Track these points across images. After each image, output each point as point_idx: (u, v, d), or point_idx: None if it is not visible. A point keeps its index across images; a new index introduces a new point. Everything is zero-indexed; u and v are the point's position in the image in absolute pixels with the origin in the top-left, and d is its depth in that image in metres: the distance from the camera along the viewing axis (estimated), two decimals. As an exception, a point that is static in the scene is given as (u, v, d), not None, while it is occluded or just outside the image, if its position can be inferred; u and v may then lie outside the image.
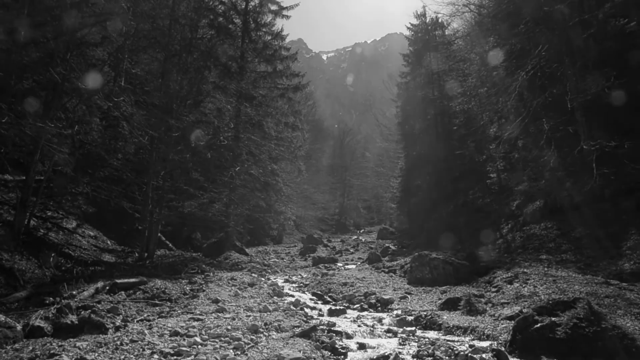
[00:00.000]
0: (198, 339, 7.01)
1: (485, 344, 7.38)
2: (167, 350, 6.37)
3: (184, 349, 6.47)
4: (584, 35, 14.44)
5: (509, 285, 10.74)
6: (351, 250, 27.88)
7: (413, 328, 8.72)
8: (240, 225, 24.50)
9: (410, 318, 9.46)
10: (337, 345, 7.27)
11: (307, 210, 45.66)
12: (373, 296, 11.83)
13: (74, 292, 9.38)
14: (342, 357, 6.95)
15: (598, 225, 13.08)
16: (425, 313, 9.64)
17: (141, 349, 6.39)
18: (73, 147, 13.17)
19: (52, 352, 6.11)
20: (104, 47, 14.75)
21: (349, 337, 8.00)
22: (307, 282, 15.27)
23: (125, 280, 11.05)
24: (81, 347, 6.36)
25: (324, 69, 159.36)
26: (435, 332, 8.56)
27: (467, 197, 23.75)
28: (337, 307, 10.76)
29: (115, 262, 14.31)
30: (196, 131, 16.96)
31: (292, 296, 12.49)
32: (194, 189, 18.75)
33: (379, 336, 8.19)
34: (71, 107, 13.30)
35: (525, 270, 11.70)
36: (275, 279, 15.99)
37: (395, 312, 10.42)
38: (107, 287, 10.29)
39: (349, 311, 10.63)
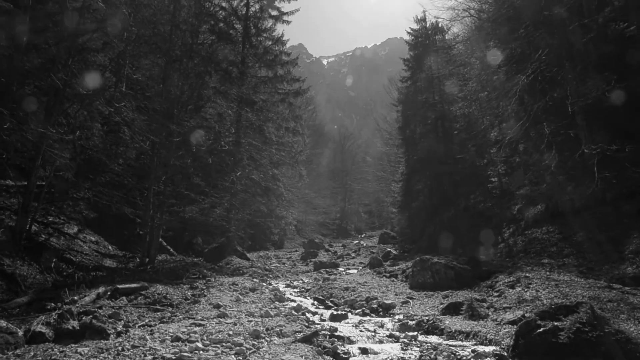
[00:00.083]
0: (199, 345, 6.99)
1: (487, 348, 7.35)
2: (168, 355, 6.35)
3: (185, 354, 6.45)
4: (584, 39, 14.47)
5: (511, 290, 10.70)
6: (352, 255, 27.83)
7: (415, 333, 8.69)
8: (241, 230, 24.48)
9: (412, 323, 9.42)
10: (339, 351, 7.24)
11: (308, 214, 45.66)
12: (375, 301, 11.79)
13: (76, 298, 9.37)
14: (344, 362, 6.92)
15: (600, 229, 13.05)
16: (427, 318, 9.60)
17: (143, 355, 6.37)
18: (74, 152, 13.21)
19: (53, 357, 6.10)
20: (105, 52, 14.80)
21: (351, 342, 7.97)
22: (309, 287, 15.25)
23: (127, 285, 11.04)
24: (82, 352, 6.35)
25: (324, 74, 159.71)
26: (438, 337, 8.52)
27: (469, 201, 23.73)
28: (339, 312, 10.72)
29: (116, 267, 14.31)
30: (197, 132, 16.97)
31: (294, 301, 12.46)
32: (195, 194, 18.75)
33: (381, 341, 8.16)
34: (72, 113, 13.33)
35: (527, 274, 11.67)
36: (276, 284, 15.96)
37: (397, 316, 10.38)
38: (109, 293, 10.28)
39: (350, 316, 10.60)
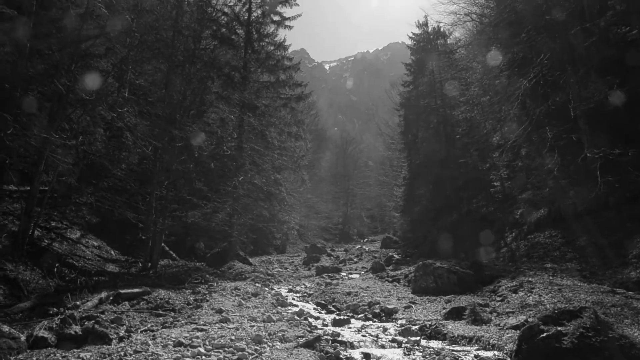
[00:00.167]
0: (202, 350, 6.99)
1: (490, 353, 7.33)
2: (170, 360, 6.35)
3: (187, 359, 6.44)
4: (585, 43, 14.46)
5: (513, 294, 10.67)
6: (355, 260, 27.78)
7: (418, 338, 8.66)
8: (243, 235, 24.49)
9: (414, 328, 9.40)
10: (341, 356, 7.23)
11: (311, 219, 45.62)
12: (377, 306, 11.76)
13: (78, 303, 9.38)
14: (347, 367, 6.91)
15: (603, 234, 13.02)
16: (429, 322, 9.58)
17: (145, 360, 6.37)
18: (77, 157, 13.25)
19: (55, 363, 6.10)
20: (108, 58, 14.87)
21: (353, 347, 7.95)
22: (311, 292, 15.22)
23: (129, 290, 11.05)
24: (85, 357, 6.35)
25: (326, 79, 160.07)
26: (440, 342, 8.50)
27: (471, 205, 23.69)
28: (341, 317, 10.71)
29: (119, 272, 14.33)
30: (199, 135, 17.00)
31: (296, 306, 12.44)
32: (198, 199, 18.78)
33: (384, 346, 8.14)
34: (75, 118, 13.39)
35: (530, 279, 11.64)
36: (279, 288, 15.94)
37: (399, 321, 10.35)
38: (111, 298, 10.28)
39: (353, 321, 10.57)
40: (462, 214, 23.18)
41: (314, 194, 45.44)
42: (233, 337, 7.79)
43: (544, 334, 6.62)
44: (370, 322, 10.49)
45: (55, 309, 8.95)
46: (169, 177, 16.14)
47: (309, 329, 9.14)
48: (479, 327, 8.84)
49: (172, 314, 9.98)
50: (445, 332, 8.83)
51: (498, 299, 10.81)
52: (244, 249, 24.72)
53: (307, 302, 13.58)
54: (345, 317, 10.84)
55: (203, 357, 6.70)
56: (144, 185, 16.19)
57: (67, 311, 8.53)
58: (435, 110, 26.54)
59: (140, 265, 15.57)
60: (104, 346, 7.04)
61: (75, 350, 6.80)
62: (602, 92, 13.27)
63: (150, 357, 6.48)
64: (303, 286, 16.81)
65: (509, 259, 16.01)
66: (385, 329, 9.54)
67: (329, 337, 8.27)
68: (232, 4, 25.27)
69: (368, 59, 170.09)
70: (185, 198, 17.78)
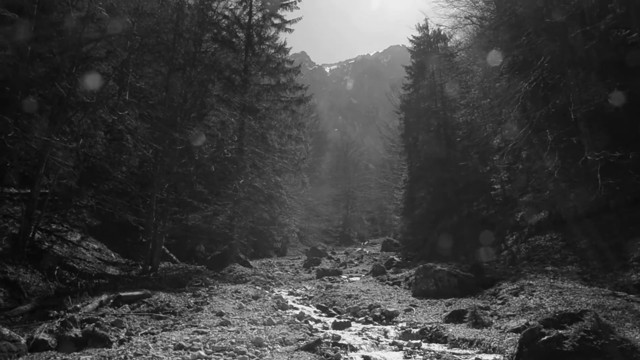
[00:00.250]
0: (202, 353, 6.98)
1: (491, 357, 7.32)
2: (171, 364, 6.33)
3: (188, 362, 6.44)
4: (586, 46, 14.49)
5: (514, 297, 10.65)
6: (355, 262, 27.76)
7: (418, 341, 8.64)
8: (244, 238, 24.47)
9: (415, 331, 9.38)
10: (342, 359, 7.22)
11: (311, 222, 45.61)
12: (378, 309, 11.75)
13: (78, 305, 9.37)
14: (347, 370, 6.89)
15: (603, 237, 13.00)
16: (430, 325, 9.56)
17: (145, 363, 6.36)
18: (78, 160, 13.27)
19: (56, 366, 6.09)
20: (109, 61, 14.91)
21: (354, 350, 7.94)
22: (312, 295, 15.21)
23: (129, 293, 11.04)
24: (85, 361, 6.34)
25: (326, 82, 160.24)
26: (441, 345, 8.48)
27: (471, 208, 23.67)
28: (342, 320, 10.69)
29: (119, 275, 14.32)
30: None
31: (297, 309, 12.43)
32: (198, 202, 18.78)
33: (384, 349, 8.12)
34: (76, 121, 13.40)
35: (530, 281, 11.62)
36: (279, 291, 15.92)
37: (400, 324, 10.34)
38: (111, 300, 10.27)
39: (353, 324, 10.55)
40: (463, 217, 23.16)
41: (314, 197, 45.45)
42: (233, 340, 7.77)
43: (545, 337, 6.60)
44: (371, 325, 10.47)
45: (55, 311, 8.94)
46: (169, 179, 16.14)
47: (309, 332, 9.13)
48: (479, 330, 8.83)
49: (173, 316, 9.97)
50: (446, 335, 8.81)
51: (499, 302, 10.79)
52: (244, 252, 24.71)
53: (308, 305, 13.57)
54: (346, 320, 10.82)
55: (203, 360, 6.70)
56: (144, 188, 16.20)
57: (67, 314, 8.51)
58: (435, 113, 26.55)
59: (140, 267, 15.56)
60: (105, 349, 7.03)
61: (75, 353, 6.79)
62: (603, 95, 13.29)
63: (150, 360, 6.47)
64: (303, 289, 16.80)
65: (510, 261, 15.99)
66: (385, 332, 9.53)
67: (329, 340, 8.27)
68: (232, 7, 25.40)
69: (369, 62, 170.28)
70: (185, 201, 17.78)
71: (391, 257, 25.23)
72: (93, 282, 12.21)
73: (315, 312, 12.32)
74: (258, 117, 24.15)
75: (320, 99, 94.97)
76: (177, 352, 7.01)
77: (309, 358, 7.03)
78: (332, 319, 11.00)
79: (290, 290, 16.51)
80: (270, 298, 13.48)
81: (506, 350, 7.42)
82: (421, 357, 7.47)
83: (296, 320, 10.38)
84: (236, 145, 22.72)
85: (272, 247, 33.14)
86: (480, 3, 21.46)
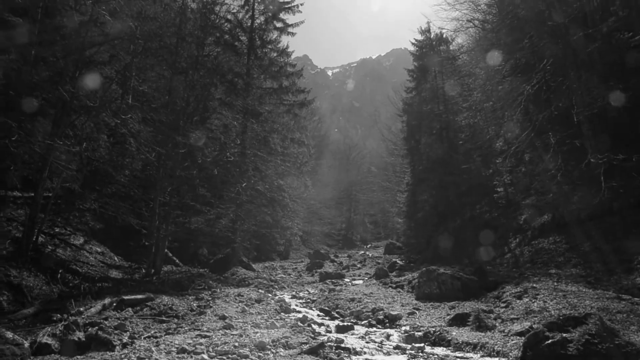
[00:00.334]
0: (205, 356, 6.97)
1: (495, 360, 7.29)
2: (174, 367, 6.32)
3: (191, 366, 6.43)
4: (588, 48, 14.47)
5: (518, 301, 10.62)
6: (358, 266, 27.73)
7: (422, 344, 8.62)
8: (246, 241, 24.48)
9: (418, 334, 9.36)
10: (345, 362, 7.21)
11: (314, 225, 45.58)
12: (381, 312, 11.73)
13: (82, 309, 9.37)
14: (351, 374, 6.87)
15: (607, 239, 12.96)
16: (433, 329, 9.54)
17: (148, 367, 6.35)
18: (81, 163, 13.30)
19: (59, 369, 6.09)
20: (112, 65, 14.95)
21: (357, 354, 7.92)
22: (315, 298, 15.19)
23: (132, 296, 11.03)
24: (88, 364, 6.33)
25: (329, 85, 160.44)
26: (444, 349, 8.46)
27: (474, 211, 23.64)
28: (345, 324, 10.68)
29: (122, 278, 14.32)
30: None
31: (300, 312, 12.41)
32: (201, 205, 18.79)
33: (388, 353, 8.10)
34: (79, 125, 13.44)
35: (534, 285, 11.58)
36: (282, 295, 15.91)
37: (403, 328, 10.32)
38: (114, 304, 10.27)
39: (356, 327, 10.54)
40: (466, 220, 23.12)
41: (317, 200, 45.45)
42: (236, 344, 7.76)
43: (549, 341, 6.58)
44: (374, 329, 10.46)
45: (58, 315, 8.94)
46: (172, 183, 16.16)
47: (312, 335, 9.11)
48: (483, 334, 8.80)
49: (176, 320, 9.96)
50: (449, 338, 8.78)
51: (502, 305, 10.76)
52: (247, 255, 24.71)
53: (311, 308, 13.55)
54: (349, 323, 10.80)
55: (206, 363, 6.68)
56: (147, 191, 16.23)
57: (70, 317, 8.52)
58: (438, 115, 26.54)
59: (143, 271, 15.56)
60: (108, 352, 7.02)
61: (78, 356, 6.79)
62: (606, 97, 13.26)
63: (153, 364, 6.46)
64: (306, 292, 16.78)
65: (513, 264, 15.94)
66: (389, 336, 9.50)
67: (332, 344, 8.25)
68: (235, 11, 25.48)
69: (371, 65, 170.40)
70: (188, 204, 17.80)
71: (394, 260, 25.20)
72: (96, 286, 12.21)
73: (318, 315, 12.30)
74: (260, 120, 24.18)
75: (323, 102, 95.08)
76: (180, 355, 7.00)
77: (312, 362, 7.01)
78: (335, 323, 10.99)
79: (293, 293, 16.49)
80: (273, 301, 13.47)
81: (510, 353, 7.40)
82: (425, 360, 7.45)
83: (299, 323, 10.36)
84: (239, 149, 22.74)
85: (275, 250, 33.13)
86: (482, 6, 21.53)
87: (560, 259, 14.02)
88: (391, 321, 11.02)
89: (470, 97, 23.38)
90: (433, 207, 26.11)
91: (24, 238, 11.27)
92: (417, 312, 11.71)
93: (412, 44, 31.01)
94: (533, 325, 8.17)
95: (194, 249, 22.15)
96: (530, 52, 16.97)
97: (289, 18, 27.34)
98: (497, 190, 22.68)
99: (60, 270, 11.83)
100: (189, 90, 17.14)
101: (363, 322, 11.19)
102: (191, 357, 6.92)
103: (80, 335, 7.45)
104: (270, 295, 15.19)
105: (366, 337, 9.43)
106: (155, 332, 8.64)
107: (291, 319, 10.88)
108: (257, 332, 8.87)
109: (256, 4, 26.18)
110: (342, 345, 8.28)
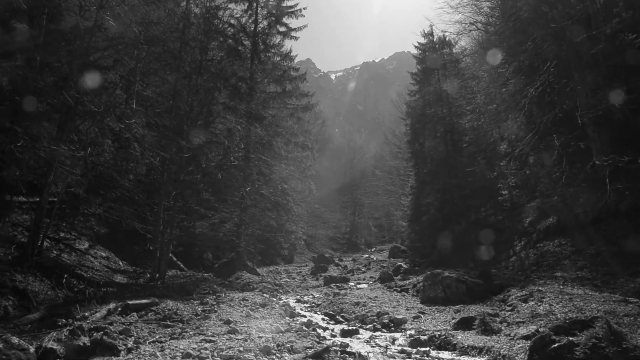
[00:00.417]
0: (210, 361, 6.96)
1: (501, 364, 7.24)
2: (179, 372, 6.31)
3: (196, 371, 6.41)
4: (592, 50, 14.42)
5: (524, 304, 10.56)
6: (363, 269, 27.67)
7: (427, 348, 8.59)
8: (251, 245, 24.48)
9: (424, 338, 9.31)
10: (350, 367, 7.18)
11: (318, 229, 45.58)
12: (386, 316, 11.69)
13: (87, 314, 9.38)
14: (356, 378, 6.84)
15: (613, 242, 12.88)
16: (439, 333, 9.49)
17: (153, 371, 6.34)
18: (85, 168, 13.34)
19: (64, 374, 6.09)
20: (116, 70, 15.02)
21: (362, 358, 7.87)
22: (319, 302, 15.16)
23: (137, 301, 11.04)
24: (93, 369, 6.33)
25: (332, 88, 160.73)
26: (450, 353, 8.41)
27: (479, 214, 23.56)
28: (350, 328, 10.64)
29: (127, 283, 14.34)
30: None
31: (304, 316, 12.39)
32: (205, 209, 18.81)
33: (393, 357, 8.06)
34: (84, 130, 13.49)
35: (540, 288, 11.51)
36: (287, 299, 15.89)
37: (408, 332, 10.27)
38: (119, 309, 10.28)
39: (361, 331, 10.50)
40: (471, 223, 23.04)
41: (321, 204, 45.48)
42: (241, 349, 7.75)
43: (556, 345, 6.54)
44: (379, 333, 10.42)
45: (64, 320, 8.95)
46: (176, 187, 16.19)
47: (317, 339, 9.08)
48: (489, 338, 8.75)
49: (180, 324, 9.95)
50: (454, 342, 8.74)
51: (508, 308, 10.70)
52: (251, 259, 24.70)
53: (316, 312, 13.52)
54: (354, 327, 10.77)
55: (211, 368, 6.67)
56: (151, 195, 16.26)
57: (75, 322, 8.53)
58: (441, 119, 26.50)
59: (148, 275, 15.58)
60: (113, 357, 7.03)
61: (83, 361, 6.80)
62: (610, 99, 13.21)
63: (158, 369, 6.46)
64: (311, 296, 16.75)
65: (519, 267, 15.86)
66: (394, 340, 9.47)
67: (337, 348, 8.22)
68: (238, 15, 25.62)
69: (374, 68, 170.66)
70: (192, 208, 17.82)
71: (399, 263, 25.11)
72: (101, 291, 12.24)
73: (323, 319, 12.27)
74: (264, 124, 24.24)
75: (326, 105, 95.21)
76: (185, 360, 6.99)
77: (317, 366, 6.98)
78: (340, 327, 10.96)
79: (298, 297, 16.46)
80: (277, 306, 13.45)
81: (516, 357, 7.35)
82: (430, 364, 7.41)
83: (304, 328, 10.34)
84: (243, 153, 22.79)
85: (279, 254, 33.12)
86: (485, 9, 21.49)
87: (566, 261, 13.94)
88: (396, 325, 10.98)
89: (474, 100, 23.35)
90: (437, 210, 26.04)
91: (29, 243, 11.32)
92: (422, 315, 11.66)
93: (415, 47, 30.99)
94: (539, 329, 8.11)
95: (198, 253, 22.17)
96: (533, 54, 16.92)
97: (292, 22, 27.73)
98: (502, 192, 22.61)
99: (65, 275, 11.87)
100: (192, 95, 17.19)
101: (368, 326, 11.15)
102: (196, 361, 6.92)
103: (85, 340, 7.46)
104: (274, 299, 15.18)
105: (371, 341, 9.40)
106: (160, 337, 8.64)
107: (296, 323, 10.86)
108: (261, 337, 8.86)
109: (259, 9, 26.31)
110: (347, 349, 8.25)
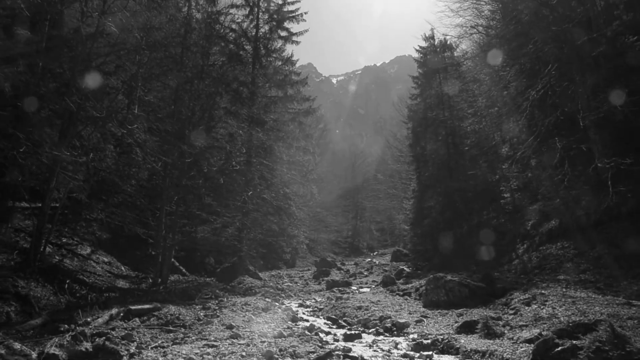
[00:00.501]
0: (212, 366, 6.94)
1: (504, 368, 7.21)
2: (181, 377, 6.30)
3: (198, 376, 6.40)
4: (593, 53, 14.42)
5: (526, 307, 10.52)
6: (365, 273, 27.64)
7: (430, 352, 8.56)
8: (253, 250, 24.46)
9: (426, 342, 9.29)
10: (353, 371, 7.16)
11: (320, 233, 45.56)
12: (388, 320, 11.66)
13: (89, 319, 9.38)
14: (359, 383, 6.82)
15: (616, 244, 12.84)
16: (441, 337, 9.46)
17: (155, 377, 6.33)
18: (88, 174, 13.36)
19: (66, 380, 6.08)
20: (118, 75, 15.07)
21: (365, 362, 7.87)
22: (322, 306, 15.13)
23: (139, 306, 11.04)
24: (96, 375, 6.32)
25: (333, 92, 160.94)
26: (453, 357, 8.38)
27: (481, 217, 23.52)
28: (352, 332, 10.62)
29: (129, 288, 14.35)
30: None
31: (307, 321, 12.36)
32: (207, 214, 18.81)
33: (396, 361, 8.05)
34: (86, 135, 13.52)
35: (543, 291, 11.48)
36: (289, 303, 15.87)
37: (411, 336, 10.24)
38: (121, 314, 10.28)
39: (364, 335, 10.48)
40: (473, 226, 23.00)
41: (323, 208, 45.49)
42: (244, 354, 7.74)
43: (559, 348, 6.52)
44: (382, 337, 10.39)
45: (66, 325, 8.95)
46: (178, 192, 16.21)
47: (320, 344, 9.06)
48: (492, 341, 8.71)
49: (183, 329, 9.94)
50: (457, 346, 8.71)
51: (511, 312, 10.67)
52: (253, 264, 24.68)
53: (318, 316, 13.50)
54: (356, 331, 10.74)
55: (214, 373, 6.66)
56: (153, 200, 16.28)
57: (78, 328, 8.51)
58: (443, 122, 26.50)
59: (150, 280, 15.58)
60: (115, 363, 7.02)
61: (86, 367, 6.79)
62: (611, 101, 13.20)
63: (160, 374, 6.45)
64: (313, 301, 16.72)
65: (521, 271, 15.81)
66: (396, 344, 9.44)
67: (340, 353, 8.20)
68: (239, 20, 25.71)
69: (375, 72, 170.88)
70: (194, 213, 17.82)
71: (401, 267, 25.09)
72: (103, 296, 12.24)
73: (325, 324, 12.25)
74: (266, 129, 24.27)
75: (328, 109, 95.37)
76: (187, 365, 6.98)
77: (320, 371, 6.96)
78: (342, 331, 10.94)
79: (300, 302, 16.44)
80: (280, 310, 13.43)
81: (519, 361, 7.32)
82: (433, 369, 7.38)
83: (306, 332, 10.31)
84: (244, 157, 22.81)
85: (282, 258, 33.10)
86: (485, 12, 21.55)
87: (569, 264, 13.89)
88: (399, 329, 10.95)
89: (475, 103, 23.36)
90: (440, 213, 26.01)
91: (32, 249, 11.33)
92: (424, 319, 11.63)
93: (416, 50, 31.05)
94: (542, 332, 8.08)
95: (200, 258, 22.17)
96: (534, 57, 16.95)
97: (293, 27, 27.69)
98: (504, 196, 22.58)
99: (67, 281, 11.87)
100: (194, 100, 17.24)
101: (370, 331, 11.13)
102: (198, 366, 6.90)
103: (87, 345, 7.44)
104: (277, 304, 15.16)
105: (374, 345, 9.37)
106: (162, 342, 8.63)
107: (298, 328, 10.84)
108: (264, 342, 8.84)
109: (260, 13, 26.40)
110: (350, 353, 8.23)
